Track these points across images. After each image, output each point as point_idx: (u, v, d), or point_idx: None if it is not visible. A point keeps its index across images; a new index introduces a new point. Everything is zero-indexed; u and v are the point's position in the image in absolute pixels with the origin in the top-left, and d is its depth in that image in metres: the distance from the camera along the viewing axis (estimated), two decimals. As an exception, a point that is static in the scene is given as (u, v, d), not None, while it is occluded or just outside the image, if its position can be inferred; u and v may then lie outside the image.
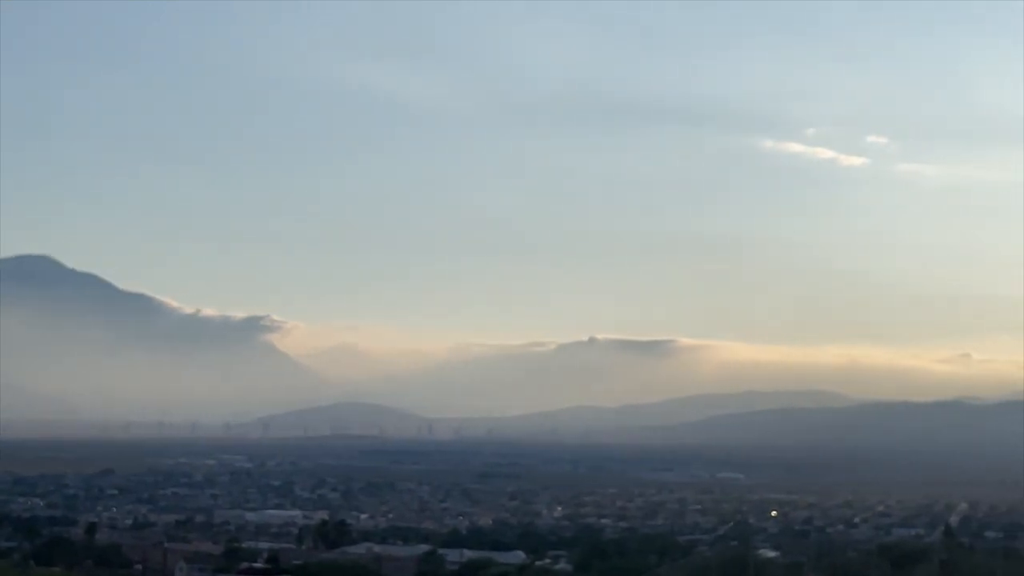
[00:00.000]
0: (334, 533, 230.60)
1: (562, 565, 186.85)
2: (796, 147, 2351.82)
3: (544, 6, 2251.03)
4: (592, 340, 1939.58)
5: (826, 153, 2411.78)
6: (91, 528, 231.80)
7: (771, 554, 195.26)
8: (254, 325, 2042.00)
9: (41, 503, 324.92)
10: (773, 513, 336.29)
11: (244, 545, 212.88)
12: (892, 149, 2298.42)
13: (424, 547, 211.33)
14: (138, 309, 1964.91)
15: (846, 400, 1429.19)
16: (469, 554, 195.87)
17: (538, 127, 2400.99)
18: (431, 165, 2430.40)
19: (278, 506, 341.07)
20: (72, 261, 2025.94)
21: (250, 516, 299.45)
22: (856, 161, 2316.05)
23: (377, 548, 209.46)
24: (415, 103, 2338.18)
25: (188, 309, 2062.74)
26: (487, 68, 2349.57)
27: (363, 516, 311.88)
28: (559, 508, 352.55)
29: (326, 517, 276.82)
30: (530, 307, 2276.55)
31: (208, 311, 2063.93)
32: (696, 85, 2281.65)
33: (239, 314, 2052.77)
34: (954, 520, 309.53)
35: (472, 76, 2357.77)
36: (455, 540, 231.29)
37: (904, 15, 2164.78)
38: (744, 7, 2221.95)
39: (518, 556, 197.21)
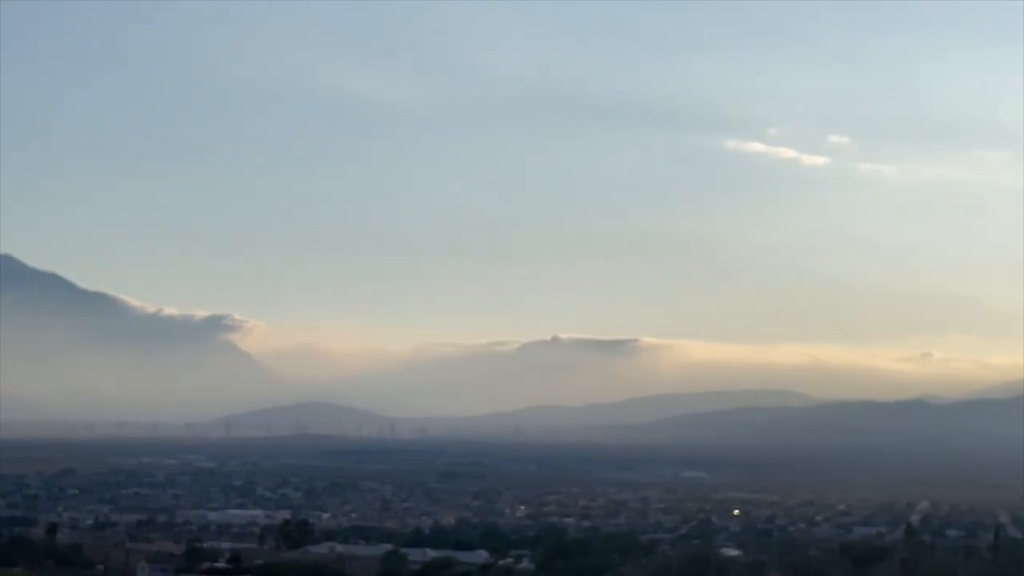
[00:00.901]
0: (296, 533, 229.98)
1: (525, 564, 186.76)
2: (758, 147, 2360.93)
3: (506, 4, 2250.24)
4: (555, 339, 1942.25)
5: (788, 153, 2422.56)
6: (52, 528, 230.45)
7: (734, 552, 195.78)
8: (216, 325, 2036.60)
9: (2, 503, 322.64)
10: (736, 512, 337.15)
11: (206, 545, 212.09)
12: (853, 149, 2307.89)
13: (387, 546, 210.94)
14: (99, 308, 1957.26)
15: (808, 399, 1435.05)
16: (432, 553, 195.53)
17: (502, 127, 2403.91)
18: (394, 165, 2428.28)
19: (240, 506, 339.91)
20: (34, 260, 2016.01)
21: (212, 516, 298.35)
22: (818, 161, 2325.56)
23: (340, 547, 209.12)
24: (382, 103, 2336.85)
25: (150, 308, 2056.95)
26: (452, 67, 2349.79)
27: (325, 516, 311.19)
28: (522, 507, 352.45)
29: (288, 517, 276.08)
30: (493, 306, 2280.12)
31: (170, 311, 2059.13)
32: (660, 85, 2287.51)
33: (201, 313, 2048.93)
34: (915, 519, 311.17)
35: (436, 75, 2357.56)
36: (418, 539, 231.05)
37: (865, 16, 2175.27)
38: (708, 9, 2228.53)
39: (481, 555, 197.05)
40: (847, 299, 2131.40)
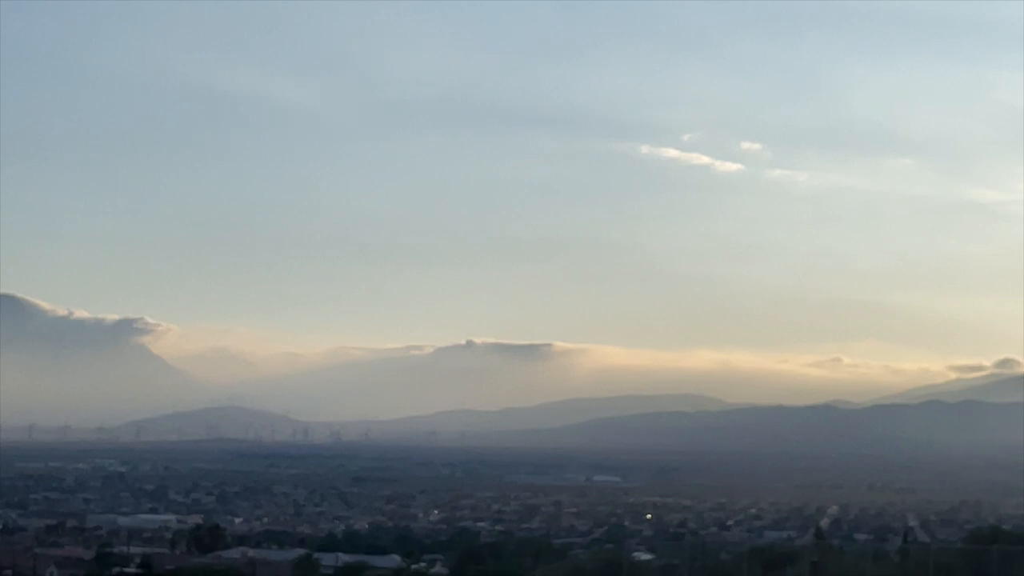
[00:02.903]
0: (208, 537, 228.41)
1: (438, 569, 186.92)
2: (672, 153, 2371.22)
3: (417, 9, 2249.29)
4: (470, 344, 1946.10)
5: (702, 159, 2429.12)
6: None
7: (645, 557, 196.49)
8: (127, 327, 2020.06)
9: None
10: (648, 516, 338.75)
11: (116, 550, 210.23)
12: (766, 156, 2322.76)
13: (299, 551, 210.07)
14: (8, 310, 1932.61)
15: (720, 404, 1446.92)
16: (344, 558, 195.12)
17: (413, 131, 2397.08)
18: (307, 168, 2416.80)
19: (151, 510, 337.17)
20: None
21: (123, 520, 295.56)
22: (731, 167, 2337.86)
23: (252, 552, 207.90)
24: (290, 105, 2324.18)
25: (60, 311, 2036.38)
26: (360, 71, 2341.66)
27: (238, 520, 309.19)
28: (435, 511, 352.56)
29: (200, 521, 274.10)
30: (407, 311, 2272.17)
31: (80, 313, 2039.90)
32: (573, 90, 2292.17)
33: (112, 316, 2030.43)
34: (825, 522, 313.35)
35: (346, 79, 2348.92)
36: (330, 544, 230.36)
37: (777, 22, 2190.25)
38: (621, 12, 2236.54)
39: (394, 560, 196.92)
40: (759, 305, 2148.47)
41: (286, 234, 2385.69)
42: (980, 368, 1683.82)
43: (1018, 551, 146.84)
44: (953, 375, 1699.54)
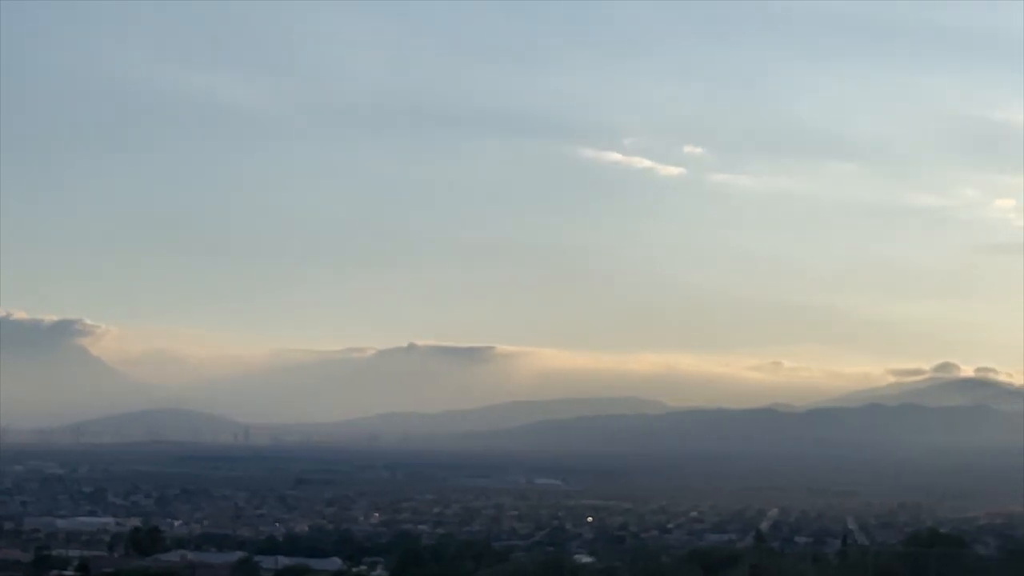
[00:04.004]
0: (147, 540, 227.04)
1: (378, 572, 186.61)
2: (615, 156, 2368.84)
3: (362, 10, 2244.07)
4: (411, 346, 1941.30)
5: (644, 163, 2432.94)
6: None
7: (586, 559, 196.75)
8: (66, 329, 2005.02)
9: None
10: (589, 519, 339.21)
11: (54, 553, 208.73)
12: (708, 159, 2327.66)
13: (239, 554, 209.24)
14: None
15: (662, 407, 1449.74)
16: (284, 561, 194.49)
17: (355, 133, 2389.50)
18: (248, 169, 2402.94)
19: (90, 513, 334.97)
20: None
21: (61, 523, 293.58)
22: (673, 171, 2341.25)
23: (191, 555, 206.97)
24: (234, 106, 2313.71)
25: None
26: (306, 72, 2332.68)
27: (177, 523, 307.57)
28: (376, 514, 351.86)
29: (139, 524, 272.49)
30: (349, 313, 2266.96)
31: (19, 314, 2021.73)
32: (514, 93, 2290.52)
33: (51, 317, 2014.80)
34: (765, 525, 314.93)
35: (291, 80, 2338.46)
36: (271, 547, 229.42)
37: (719, 26, 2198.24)
38: (564, 15, 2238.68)
39: (334, 563, 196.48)
40: (701, 308, 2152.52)
41: (226, 235, 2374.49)
42: (919, 372, 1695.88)
43: (955, 554, 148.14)
44: (893, 379, 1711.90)
